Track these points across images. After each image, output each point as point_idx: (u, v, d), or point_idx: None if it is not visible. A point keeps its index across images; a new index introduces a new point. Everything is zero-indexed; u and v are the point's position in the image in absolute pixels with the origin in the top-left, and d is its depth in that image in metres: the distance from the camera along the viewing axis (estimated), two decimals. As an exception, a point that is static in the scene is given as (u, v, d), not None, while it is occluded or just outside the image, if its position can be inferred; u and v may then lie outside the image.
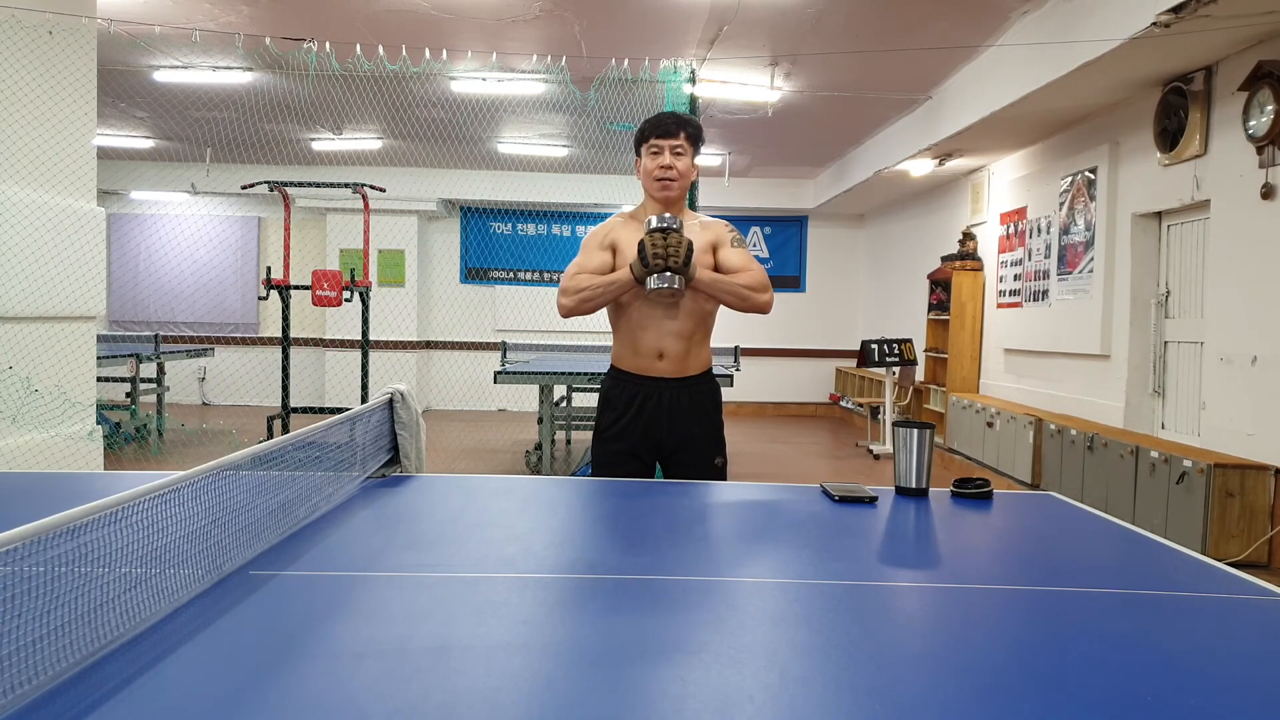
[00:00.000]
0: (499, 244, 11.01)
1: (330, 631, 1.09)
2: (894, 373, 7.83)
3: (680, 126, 2.39)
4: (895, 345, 7.73)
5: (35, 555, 0.88)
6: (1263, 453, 4.23)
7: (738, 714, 0.88)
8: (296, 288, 6.79)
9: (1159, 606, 1.29)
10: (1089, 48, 4.41)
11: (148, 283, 10.72)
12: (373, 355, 9.19)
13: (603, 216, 10.71)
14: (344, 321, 10.07)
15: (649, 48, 5.52)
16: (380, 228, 9.83)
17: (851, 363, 10.91)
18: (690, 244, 2.25)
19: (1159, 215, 5.34)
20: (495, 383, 5.94)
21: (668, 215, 2.30)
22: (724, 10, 5.08)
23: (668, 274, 2.23)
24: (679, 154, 2.38)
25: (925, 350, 8.43)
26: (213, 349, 8.92)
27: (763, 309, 2.36)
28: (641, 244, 2.25)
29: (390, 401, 2.04)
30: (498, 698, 0.91)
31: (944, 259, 8.00)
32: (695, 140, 2.42)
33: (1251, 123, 4.25)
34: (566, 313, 2.38)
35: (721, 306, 2.44)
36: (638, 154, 2.45)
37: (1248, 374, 4.34)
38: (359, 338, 7.36)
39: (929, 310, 8.33)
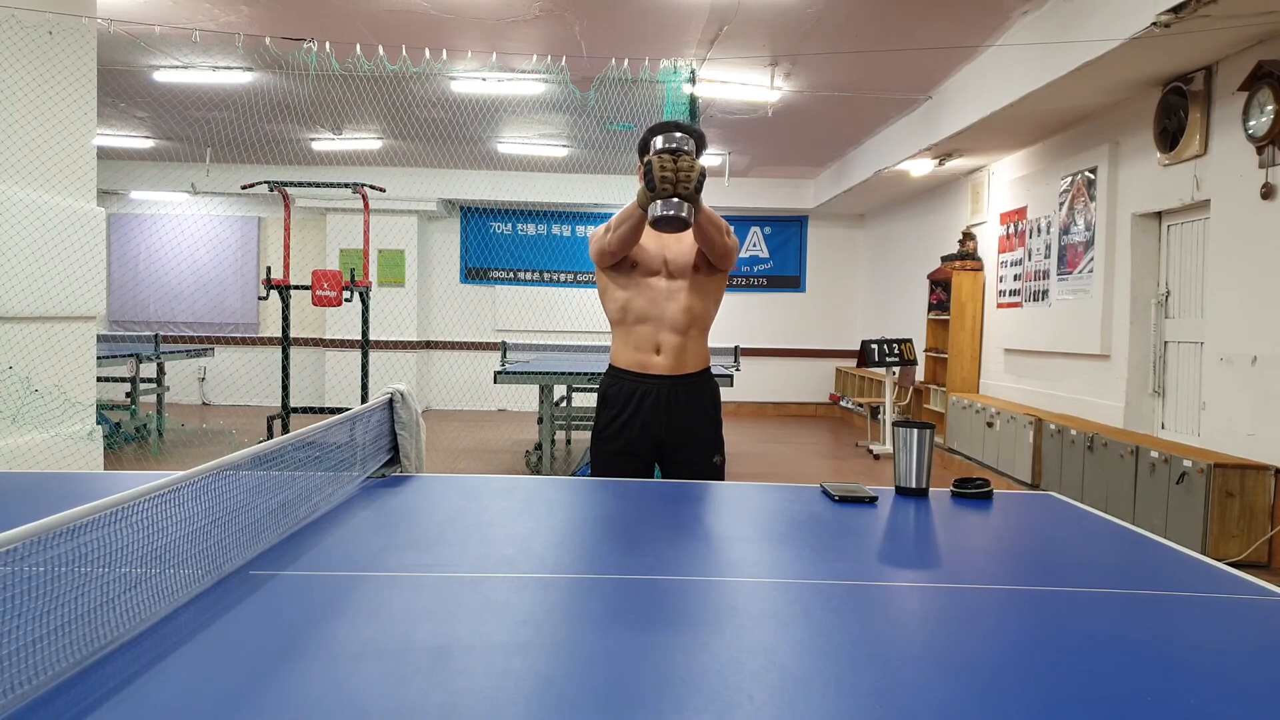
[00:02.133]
0: (499, 244, 11.01)
1: (330, 631, 1.09)
2: (894, 373, 7.83)
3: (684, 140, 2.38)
4: (895, 345, 7.73)
5: (35, 555, 0.88)
6: (1263, 453, 4.23)
7: (738, 714, 0.88)
8: (296, 288, 6.79)
9: (1159, 606, 1.29)
10: (1089, 48, 4.41)
11: (148, 283, 10.72)
12: (373, 355, 9.20)
13: (603, 217, 10.73)
14: (344, 321, 10.07)
15: (649, 48, 5.52)
16: (380, 228, 9.83)
17: (851, 363, 10.91)
18: (703, 170, 2.12)
19: (1159, 215, 5.34)
20: (495, 383, 5.94)
21: (678, 135, 2.13)
22: (724, 10, 5.08)
23: (675, 200, 2.04)
24: None
25: (925, 350, 8.43)
26: (213, 349, 8.92)
27: (731, 253, 2.36)
28: (648, 165, 2.07)
29: (390, 401, 2.04)
30: (498, 698, 0.91)
31: (944, 259, 8.00)
32: (698, 152, 2.41)
33: (1251, 123, 4.25)
34: (597, 253, 2.36)
35: (720, 308, 2.45)
36: (640, 162, 2.45)
37: (1248, 374, 4.34)
38: (359, 338, 7.36)
39: (929, 310, 8.33)
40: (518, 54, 5.78)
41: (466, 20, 5.37)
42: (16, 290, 3.78)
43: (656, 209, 2.06)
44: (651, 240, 2.39)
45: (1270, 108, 4.11)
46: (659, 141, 2.12)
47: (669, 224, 2.10)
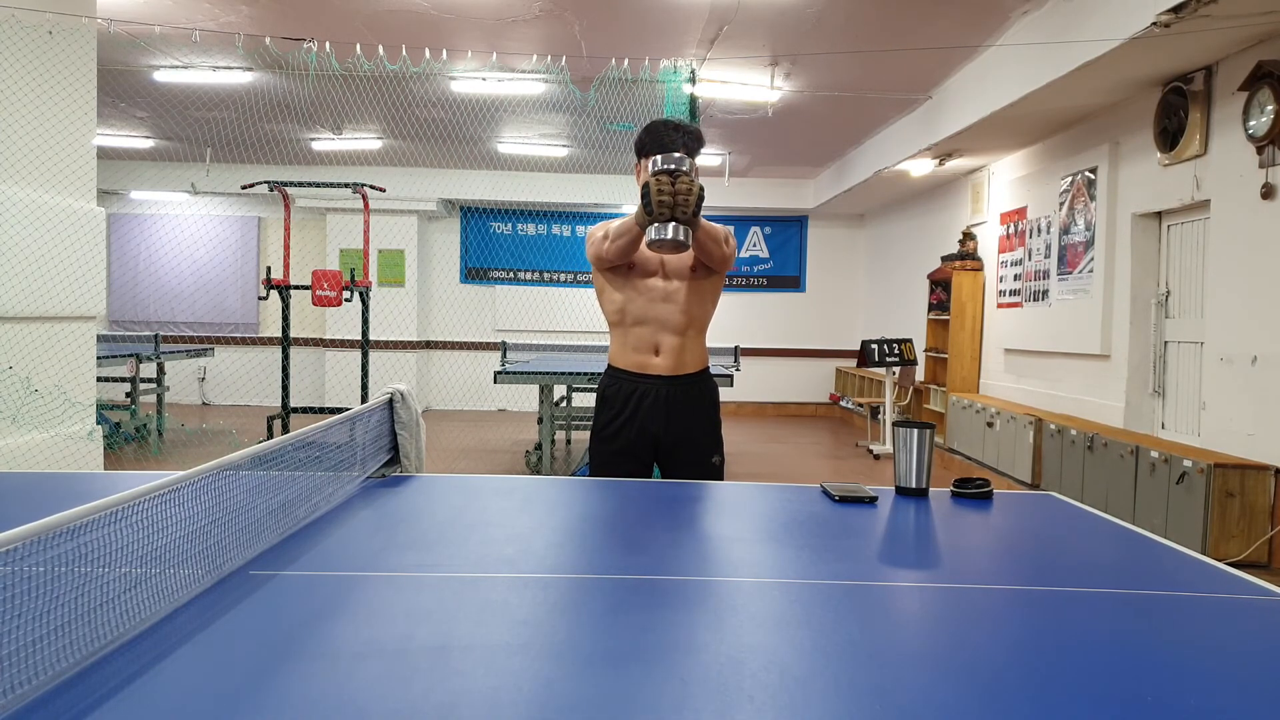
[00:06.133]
0: (499, 244, 11.01)
1: (330, 631, 1.09)
2: (894, 373, 7.83)
3: (680, 142, 2.38)
4: (895, 345, 7.73)
5: (35, 555, 0.87)
6: (1263, 453, 4.23)
7: (738, 714, 0.88)
8: (296, 288, 6.79)
9: (1159, 606, 1.29)
10: (1089, 48, 4.41)
11: (148, 283, 10.72)
12: (373, 355, 9.20)
13: (603, 216, 10.76)
14: (344, 321, 10.07)
15: (649, 48, 5.52)
16: (380, 228, 9.83)
17: (851, 363, 10.91)
18: (702, 190, 2.07)
19: (1159, 215, 5.34)
20: (495, 383, 5.94)
21: (676, 154, 2.09)
22: (724, 10, 5.08)
23: (673, 224, 2.00)
24: None
25: (925, 350, 8.43)
26: (213, 349, 8.91)
27: (729, 260, 2.36)
28: (646, 187, 2.03)
29: (390, 401, 2.04)
30: (498, 698, 0.91)
31: (944, 259, 8.00)
32: (695, 151, 2.41)
33: (1251, 123, 4.25)
34: (594, 257, 2.36)
35: (719, 309, 2.45)
36: (638, 161, 2.44)
37: (1248, 374, 4.34)
38: (359, 338, 7.36)
39: (929, 310, 8.33)
40: (518, 54, 5.78)
41: (466, 20, 5.37)
42: (16, 290, 3.78)
43: (653, 233, 2.04)
44: None
45: (1270, 108, 4.11)
46: (658, 161, 2.07)
47: (666, 247, 2.09)
